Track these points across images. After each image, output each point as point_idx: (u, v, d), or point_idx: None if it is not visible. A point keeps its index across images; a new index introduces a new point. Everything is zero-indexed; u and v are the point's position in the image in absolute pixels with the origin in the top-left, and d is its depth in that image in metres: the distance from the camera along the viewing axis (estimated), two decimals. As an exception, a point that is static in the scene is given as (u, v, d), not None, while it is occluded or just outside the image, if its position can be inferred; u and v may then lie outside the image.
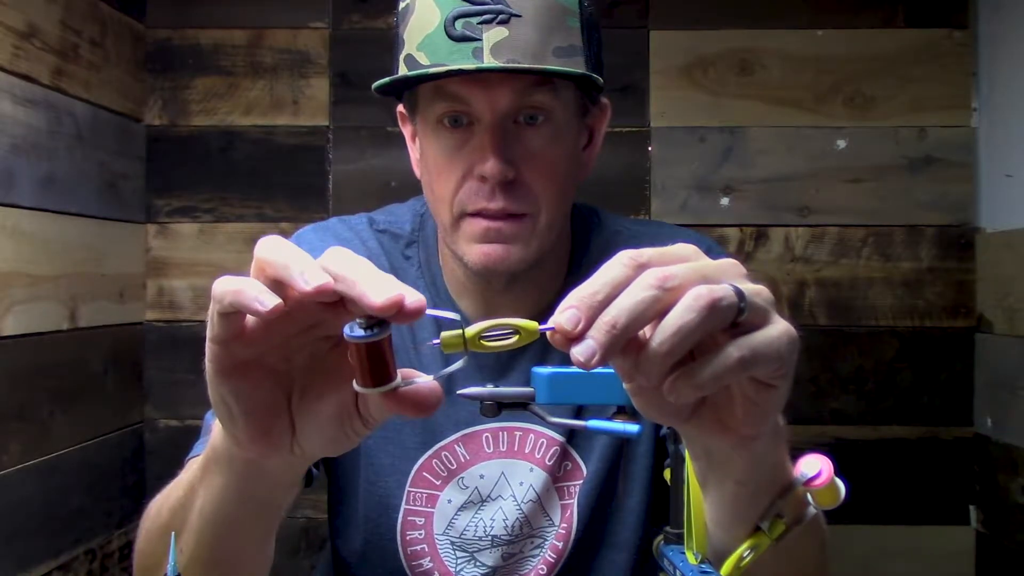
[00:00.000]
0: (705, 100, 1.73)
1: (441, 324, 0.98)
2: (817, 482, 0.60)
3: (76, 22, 1.46)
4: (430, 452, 0.98)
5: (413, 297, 0.47)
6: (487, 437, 0.98)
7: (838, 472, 0.61)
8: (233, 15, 1.74)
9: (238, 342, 0.52)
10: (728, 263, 0.52)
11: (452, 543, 0.99)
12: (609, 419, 0.57)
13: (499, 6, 0.84)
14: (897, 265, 1.72)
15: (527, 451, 0.98)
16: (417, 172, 0.98)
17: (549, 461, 0.98)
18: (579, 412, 0.94)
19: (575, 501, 0.99)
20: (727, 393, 0.55)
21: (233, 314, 0.50)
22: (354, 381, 0.50)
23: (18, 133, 1.30)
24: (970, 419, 1.71)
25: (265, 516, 0.69)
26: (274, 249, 0.50)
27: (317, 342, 0.54)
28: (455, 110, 0.88)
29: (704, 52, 1.73)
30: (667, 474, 0.63)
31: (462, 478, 0.98)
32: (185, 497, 0.70)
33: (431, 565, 0.99)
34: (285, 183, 1.74)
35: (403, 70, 0.88)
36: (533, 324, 0.50)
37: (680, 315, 0.48)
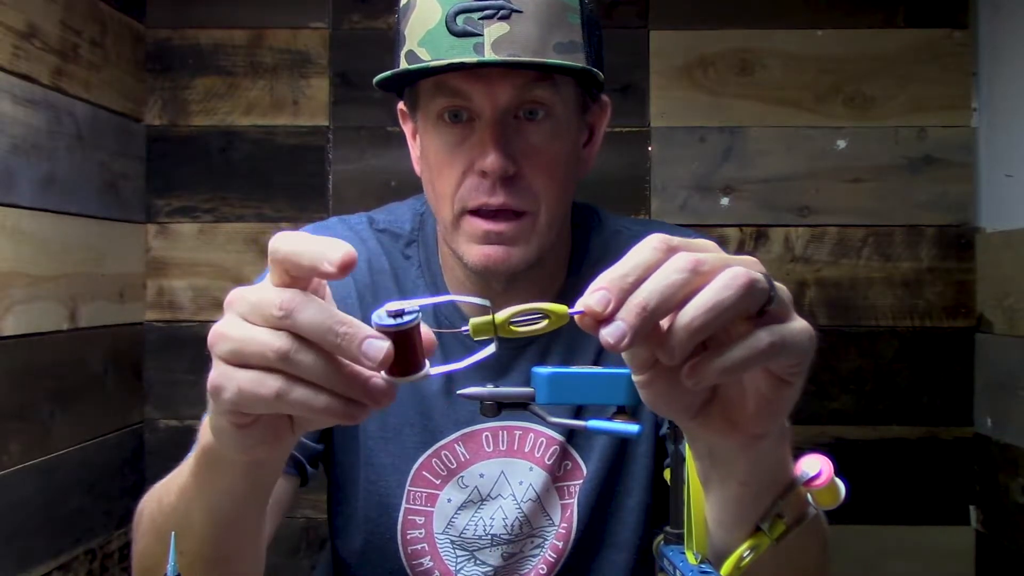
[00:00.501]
0: (705, 100, 1.73)
1: (440, 315, 0.98)
2: (817, 482, 0.60)
3: (76, 22, 1.46)
4: (430, 451, 0.98)
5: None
6: (487, 436, 0.98)
7: (838, 472, 0.61)
8: (233, 15, 1.74)
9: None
10: (750, 259, 0.52)
11: (452, 542, 0.99)
12: (609, 419, 0.57)
13: (500, 2, 0.84)
14: (897, 265, 1.72)
15: (527, 450, 0.98)
16: (417, 170, 0.98)
17: (549, 460, 0.98)
18: (579, 412, 0.94)
19: (575, 501, 0.99)
20: (739, 389, 0.55)
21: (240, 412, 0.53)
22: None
23: (18, 133, 1.30)
24: (970, 419, 1.71)
25: (264, 502, 0.70)
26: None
27: None
28: (456, 105, 0.88)
29: (704, 52, 1.73)
30: (667, 474, 0.63)
31: (462, 477, 0.98)
32: (180, 502, 0.70)
33: (431, 564, 0.99)
34: (285, 183, 1.74)
35: (404, 66, 0.88)
36: (563, 308, 0.50)
37: (717, 292, 0.48)
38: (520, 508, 0.98)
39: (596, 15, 0.92)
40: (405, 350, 0.49)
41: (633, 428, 0.55)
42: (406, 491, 0.98)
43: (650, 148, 1.73)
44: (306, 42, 1.74)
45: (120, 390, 1.64)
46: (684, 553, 0.62)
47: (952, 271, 1.72)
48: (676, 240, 0.51)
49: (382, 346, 0.48)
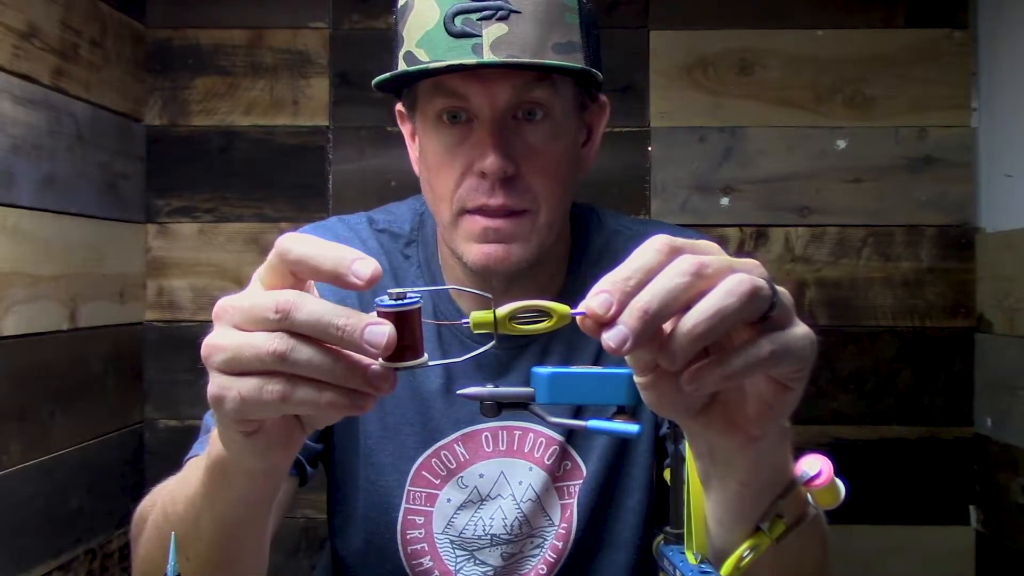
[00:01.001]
0: (705, 100, 1.73)
1: (440, 315, 0.98)
2: (817, 482, 0.60)
3: (76, 22, 1.46)
4: (429, 451, 0.98)
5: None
6: (486, 436, 0.98)
7: (838, 472, 0.61)
8: (233, 15, 1.74)
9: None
10: (753, 262, 0.52)
11: (452, 542, 0.99)
12: (609, 419, 0.57)
13: (499, 2, 0.84)
14: (897, 265, 1.72)
15: (526, 450, 0.98)
16: (416, 170, 0.98)
17: (548, 460, 0.98)
18: (579, 412, 0.94)
19: (575, 501, 0.99)
20: (740, 392, 0.55)
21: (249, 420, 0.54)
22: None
23: (18, 133, 1.30)
24: (970, 419, 1.70)
25: (271, 504, 0.70)
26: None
27: None
28: (454, 106, 0.88)
29: (704, 52, 1.73)
30: (667, 474, 0.63)
31: (461, 477, 0.98)
32: (189, 513, 0.70)
33: (431, 564, 0.99)
34: (285, 183, 1.73)
35: (402, 67, 0.88)
36: (565, 308, 0.50)
37: (721, 298, 0.48)
38: (520, 508, 0.98)
39: (594, 15, 0.92)
40: (405, 335, 0.49)
41: (633, 428, 0.55)
42: (406, 491, 0.98)
43: (650, 148, 1.73)
44: (306, 42, 1.74)
45: (120, 390, 1.64)
46: (684, 553, 0.62)
47: (952, 271, 1.72)
48: (679, 242, 0.50)
49: (384, 331, 0.48)
